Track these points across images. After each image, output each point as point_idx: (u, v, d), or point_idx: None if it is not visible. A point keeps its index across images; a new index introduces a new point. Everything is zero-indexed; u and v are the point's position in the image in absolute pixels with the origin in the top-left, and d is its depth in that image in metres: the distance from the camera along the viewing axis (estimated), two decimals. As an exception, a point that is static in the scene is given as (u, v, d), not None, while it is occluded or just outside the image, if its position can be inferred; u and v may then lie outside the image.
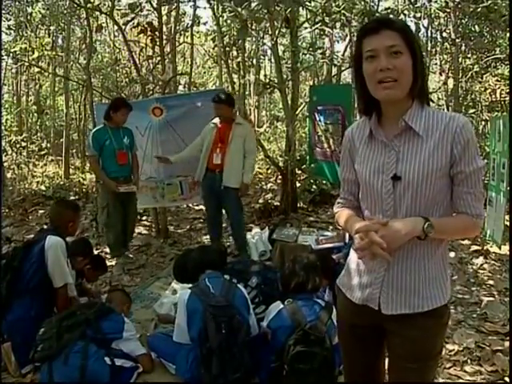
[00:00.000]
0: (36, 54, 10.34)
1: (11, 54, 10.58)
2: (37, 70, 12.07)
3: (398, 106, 1.66)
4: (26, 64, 11.69)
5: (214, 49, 12.50)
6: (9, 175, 9.89)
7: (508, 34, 10.72)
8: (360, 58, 1.65)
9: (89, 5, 6.92)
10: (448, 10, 10.42)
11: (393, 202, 1.68)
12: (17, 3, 11.89)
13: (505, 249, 4.98)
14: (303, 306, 2.97)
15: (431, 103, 1.84)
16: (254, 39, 10.84)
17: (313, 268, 3.19)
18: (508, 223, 5.17)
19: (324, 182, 7.70)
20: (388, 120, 1.72)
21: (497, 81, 10.44)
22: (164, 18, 8.28)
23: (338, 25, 8.02)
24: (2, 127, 10.62)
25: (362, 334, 1.88)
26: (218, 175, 5.11)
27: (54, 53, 11.22)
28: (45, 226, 4.66)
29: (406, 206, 1.66)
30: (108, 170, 5.07)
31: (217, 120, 5.24)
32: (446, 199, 1.70)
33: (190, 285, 3.21)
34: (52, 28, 12.45)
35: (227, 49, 9.25)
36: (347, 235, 4.53)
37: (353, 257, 1.88)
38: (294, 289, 3.13)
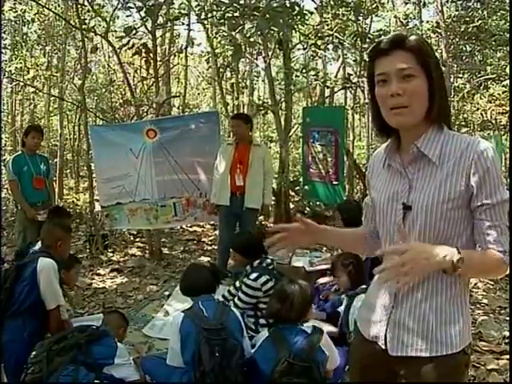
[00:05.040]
0: (31, 74, 10.42)
1: (6, 74, 10.61)
2: (32, 89, 12.10)
3: (414, 131, 1.52)
4: (21, 84, 11.71)
5: (207, 70, 12.62)
6: (2, 195, 9.86)
7: (499, 54, 10.88)
8: (373, 79, 1.53)
9: (84, 26, 6.97)
10: (439, 31, 10.58)
11: None
12: (12, 23, 11.97)
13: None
14: (290, 334, 2.89)
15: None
16: (247, 61, 10.95)
17: (297, 297, 3.13)
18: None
19: (318, 203, 7.73)
20: (405, 145, 1.58)
21: (488, 101, 10.56)
22: (158, 39, 8.38)
23: (330, 47, 8.13)
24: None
25: (372, 376, 1.72)
26: (239, 197, 5.18)
27: (49, 73, 11.28)
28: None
29: (414, 237, 1.51)
30: (26, 195, 5.29)
31: (231, 140, 5.35)
32: (464, 234, 1.50)
33: (183, 305, 3.19)
34: (47, 48, 12.47)
35: (221, 70, 9.35)
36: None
37: (370, 289, 1.77)
38: (278, 318, 3.06)
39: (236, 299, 3.69)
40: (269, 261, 3.85)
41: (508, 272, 1.49)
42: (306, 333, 2.92)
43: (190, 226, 7.80)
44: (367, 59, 1.60)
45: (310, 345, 2.83)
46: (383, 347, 1.61)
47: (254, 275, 3.63)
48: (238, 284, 3.70)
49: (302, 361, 2.73)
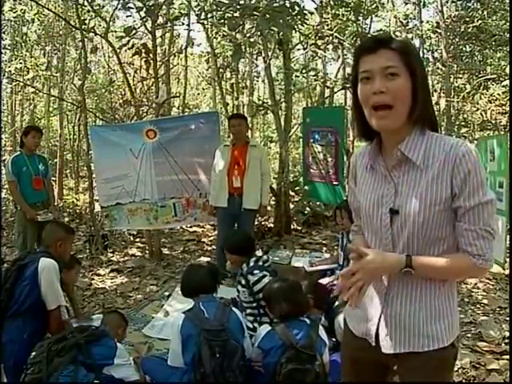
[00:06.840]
0: (31, 74, 10.40)
1: (6, 74, 10.60)
2: (31, 90, 12.09)
3: (397, 134, 1.52)
4: (21, 84, 11.70)
5: (207, 70, 12.61)
6: (2, 195, 9.85)
7: (499, 54, 10.88)
8: (357, 78, 1.52)
9: (84, 27, 6.97)
10: (439, 31, 10.58)
11: (391, 236, 1.56)
12: (12, 23, 11.96)
13: (499, 267, 4.97)
14: (291, 326, 2.96)
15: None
16: (247, 61, 10.94)
17: (297, 293, 3.19)
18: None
19: (318, 203, 7.72)
20: (388, 148, 1.58)
21: (488, 101, 10.55)
22: (158, 39, 8.37)
23: (330, 47, 8.13)
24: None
25: (363, 369, 1.76)
26: (237, 198, 5.21)
27: (48, 73, 11.27)
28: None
29: (403, 241, 1.53)
30: (25, 195, 5.29)
31: (228, 142, 5.40)
32: (452, 236, 1.53)
33: (183, 306, 3.18)
34: (47, 48, 12.47)
35: (221, 70, 9.35)
36: (341, 257, 4.53)
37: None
38: (288, 316, 3.11)
39: (243, 297, 3.75)
40: (265, 257, 3.92)
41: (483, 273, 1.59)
42: (306, 324, 3.02)
43: (190, 227, 7.80)
44: (353, 58, 1.59)
45: (312, 335, 2.92)
46: (373, 344, 1.64)
47: (256, 273, 3.68)
48: (243, 282, 3.71)
49: (309, 349, 2.81)
